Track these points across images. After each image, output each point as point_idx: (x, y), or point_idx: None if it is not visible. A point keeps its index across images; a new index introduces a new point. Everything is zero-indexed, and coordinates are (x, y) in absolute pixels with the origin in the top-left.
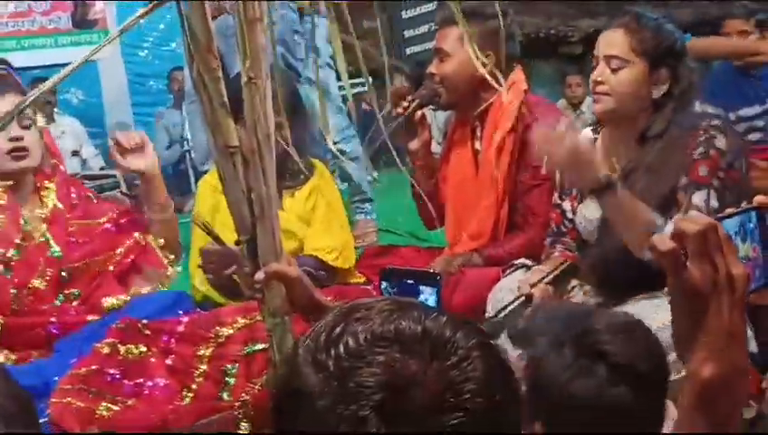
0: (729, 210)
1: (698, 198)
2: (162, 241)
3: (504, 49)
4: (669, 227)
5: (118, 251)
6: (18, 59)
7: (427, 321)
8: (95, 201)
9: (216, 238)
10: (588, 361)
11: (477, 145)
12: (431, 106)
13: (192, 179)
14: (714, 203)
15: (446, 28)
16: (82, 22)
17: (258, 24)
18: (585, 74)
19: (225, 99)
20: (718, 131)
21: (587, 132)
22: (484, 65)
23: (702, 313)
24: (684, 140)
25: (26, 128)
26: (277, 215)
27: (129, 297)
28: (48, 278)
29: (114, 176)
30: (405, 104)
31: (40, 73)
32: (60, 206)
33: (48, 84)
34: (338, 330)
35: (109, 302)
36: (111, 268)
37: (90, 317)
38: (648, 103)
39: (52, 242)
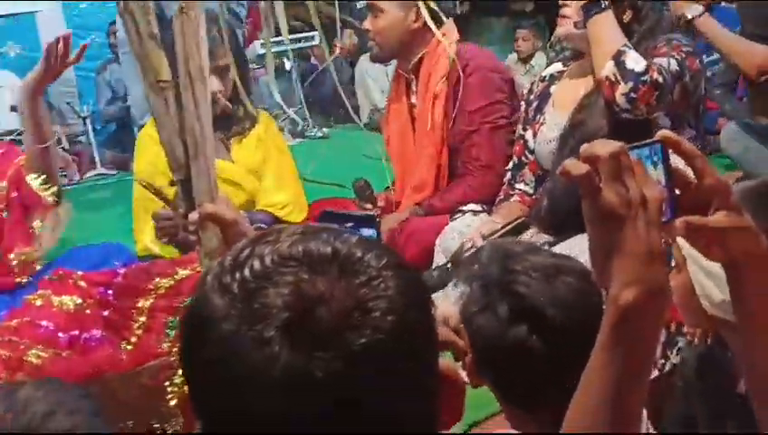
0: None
1: (661, 61)
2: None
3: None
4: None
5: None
6: None
7: (336, 242)
8: None
9: (165, 199)
10: (496, 297)
11: (413, 99)
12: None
13: (137, 135)
14: (673, 66)
15: None
16: None
17: None
18: (537, 29)
19: (156, 30)
20: (679, 38)
21: (557, 66)
22: (417, 17)
23: (618, 235)
24: (649, 52)
25: None
26: (213, 154)
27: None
28: None
29: (56, 132)
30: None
31: None
32: None
33: None
34: (245, 253)
35: (18, 257)
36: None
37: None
38: None
39: None
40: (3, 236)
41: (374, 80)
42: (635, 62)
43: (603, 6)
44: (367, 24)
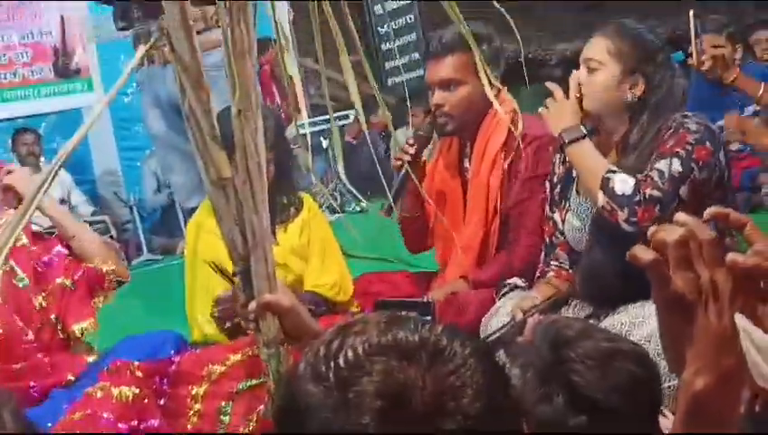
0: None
1: (661, 164)
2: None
3: (498, 70)
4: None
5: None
6: (0, 111)
7: (423, 330)
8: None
9: (231, 280)
10: (553, 389)
11: (466, 162)
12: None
13: (182, 222)
14: (676, 167)
15: (446, 57)
16: (65, 71)
17: (247, 56)
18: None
19: (217, 131)
20: (689, 118)
21: None
22: (491, 85)
23: (689, 322)
24: (659, 137)
25: None
26: (270, 245)
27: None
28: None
29: (104, 221)
30: (410, 150)
31: (23, 123)
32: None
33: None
34: (336, 344)
35: (79, 329)
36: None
37: (69, 375)
38: (620, 109)
39: (18, 270)
40: (68, 310)
41: None
42: (622, 184)
43: (579, 136)
44: (438, 100)
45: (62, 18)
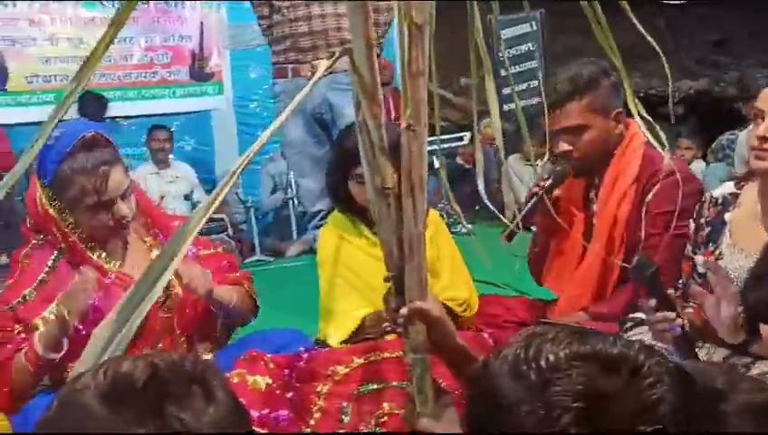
0: None
1: None
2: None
3: (619, 102)
4: None
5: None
6: (138, 108)
7: (620, 345)
8: None
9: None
10: None
11: (592, 194)
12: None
13: (294, 225)
14: None
15: (567, 104)
16: (200, 74)
17: (420, 77)
18: (689, 136)
19: (386, 143)
20: None
21: (728, 186)
22: (618, 122)
23: None
24: None
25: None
26: (425, 255)
27: None
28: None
29: (222, 220)
30: (542, 183)
31: (157, 121)
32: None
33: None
34: (534, 348)
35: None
36: None
37: None
38: None
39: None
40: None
41: (520, 179)
42: None
43: None
44: (565, 147)
45: (201, 24)
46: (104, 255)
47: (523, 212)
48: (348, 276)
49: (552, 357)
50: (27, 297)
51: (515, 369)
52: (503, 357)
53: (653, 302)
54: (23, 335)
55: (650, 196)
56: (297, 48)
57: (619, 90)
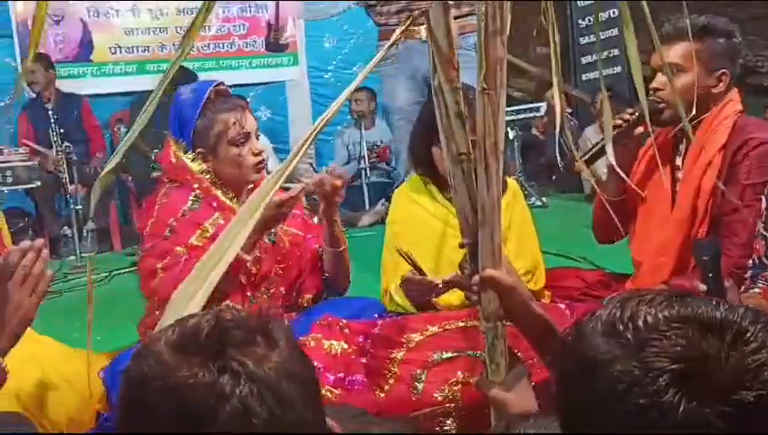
0: None
1: None
2: None
3: (733, 68)
4: None
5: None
6: (216, 78)
7: (723, 309)
8: None
9: (416, 267)
10: None
11: (678, 160)
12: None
13: (366, 196)
14: None
15: (671, 43)
16: (275, 45)
17: (498, 37)
18: None
19: (462, 108)
20: None
21: None
22: (719, 82)
23: None
24: None
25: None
26: (500, 222)
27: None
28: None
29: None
30: (626, 116)
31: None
32: None
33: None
34: (630, 310)
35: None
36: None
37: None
38: None
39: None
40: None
41: None
42: None
43: None
44: (658, 84)
45: None
46: (232, 195)
47: (602, 143)
48: (413, 238)
49: (650, 318)
50: (173, 227)
51: (611, 328)
52: (596, 318)
53: (703, 287)
54: (185, 258)
55: (739, 166)
56: (408, 9)
57: (735, 55)
